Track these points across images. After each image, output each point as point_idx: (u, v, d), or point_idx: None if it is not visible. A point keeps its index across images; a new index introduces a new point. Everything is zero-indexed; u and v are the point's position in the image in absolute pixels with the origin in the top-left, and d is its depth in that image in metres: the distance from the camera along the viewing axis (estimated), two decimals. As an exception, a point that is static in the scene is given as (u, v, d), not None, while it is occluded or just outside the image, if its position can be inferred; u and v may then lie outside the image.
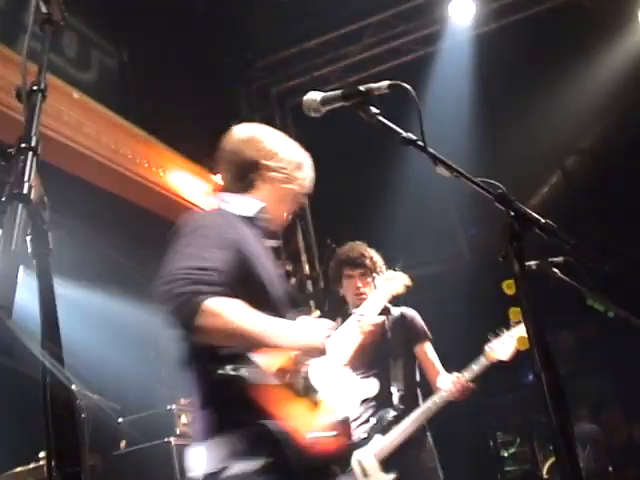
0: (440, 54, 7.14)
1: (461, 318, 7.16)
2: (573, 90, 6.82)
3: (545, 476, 8.41)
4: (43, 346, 1.38)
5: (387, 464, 3.67)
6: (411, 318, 4.02)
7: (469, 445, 8.68)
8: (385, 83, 2.22)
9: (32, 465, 3.89)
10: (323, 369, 2.42)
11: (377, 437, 3.71)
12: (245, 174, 2.52)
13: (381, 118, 2.20)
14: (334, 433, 2.31)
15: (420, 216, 7.30)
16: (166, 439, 4.66)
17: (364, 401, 3.72)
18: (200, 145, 6.23)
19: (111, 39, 5.66)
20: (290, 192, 2.59)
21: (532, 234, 2.14)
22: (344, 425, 2.42)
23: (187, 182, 6.18)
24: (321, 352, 2.32)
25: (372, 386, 3.47)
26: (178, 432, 4.82)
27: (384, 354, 3.87)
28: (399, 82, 2.22)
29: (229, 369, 2.16)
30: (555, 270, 3.34)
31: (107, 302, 5.24)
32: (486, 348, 3.73)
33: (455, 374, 3.76)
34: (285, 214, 2.65)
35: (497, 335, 3.73)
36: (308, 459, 2.20)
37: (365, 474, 3.67)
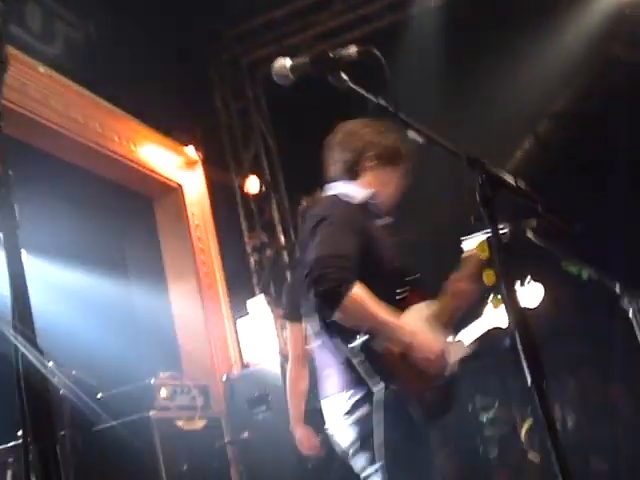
0: (409, 21, 7.09)
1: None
2: (543, 55, 6.82)
3: (523, 439, 8.50)
4: (14, 324, 1.37)
5: None
6: None
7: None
8: (354, 49, 2.20)
9: (12, 443, 3.87)
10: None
11: None
12: (351, 165, 2.91)
13: (351, 84, 2.19)
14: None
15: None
16: (146, 413, 4.66)
17: None
18: (171, 117, 6.17)
19: (76, 10, 5.54)
20: (392, 176, 2.94)
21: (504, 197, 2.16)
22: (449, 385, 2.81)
23: (158, 155, 6.12)
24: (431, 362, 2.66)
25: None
26: (158, 406, 4.83)
27: None
28: (368, 47, 2.20)
29: (360, 340, 2.61)
30: (528, 232, 3.35)
31: (81, 277, 5.21)
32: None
33: None
34: (391, 196, 2.97)
35: None
36: (424, 413, 2.66)
37: None
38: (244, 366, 5.95)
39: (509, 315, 2.06)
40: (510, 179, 2.14)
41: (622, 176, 6.48)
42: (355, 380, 2.68)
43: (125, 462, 4.43)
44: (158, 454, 4.53)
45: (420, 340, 2.67)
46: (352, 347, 2.63)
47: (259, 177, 6.84)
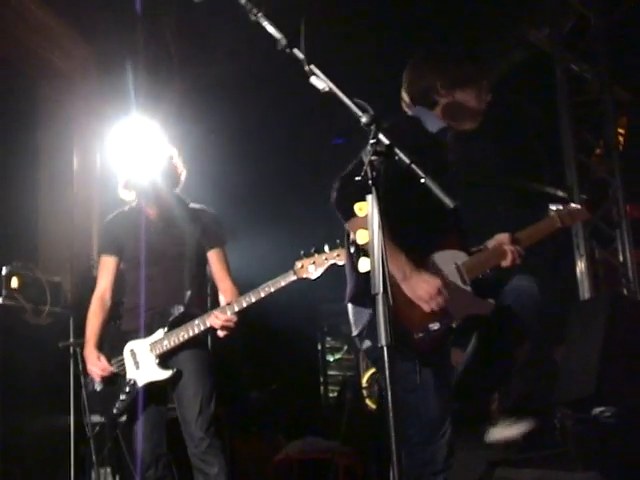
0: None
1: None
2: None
3: (364, 384, 8.85)
4: None
5: (166, 360, 3.61)
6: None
7: (299, 345, 8.97)
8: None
9: None
10: None
11: (159, 331, 3.62)
12: (426, 94, 3.03)
13: (262, 20, 2.17)
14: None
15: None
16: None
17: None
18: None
19: None
20: (468, 109, 3.02)
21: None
22: None
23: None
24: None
25: None
26: (6, 294, 4.71)
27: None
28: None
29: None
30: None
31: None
32: (297, 263, 3.51)
33: (228, 305, 3.56)
34: (465, 128, 3.06)
35: (309, 255, 3.52)
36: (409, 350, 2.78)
37: (137, 366, 3.63)
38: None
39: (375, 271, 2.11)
40: (402, 151, 2.15)
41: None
42: (360, 294, 2.83)
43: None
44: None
45: (415, 278, 2.74)
46: (361, 262, 2.75)
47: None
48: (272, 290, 3.47)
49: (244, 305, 3.50)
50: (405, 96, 3.15)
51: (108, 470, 5.13)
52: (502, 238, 3.04)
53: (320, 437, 6.20)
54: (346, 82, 2.24)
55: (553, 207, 3.17)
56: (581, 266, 6.15)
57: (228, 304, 3.55)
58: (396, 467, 1.93)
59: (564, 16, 6.64)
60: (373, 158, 2.16)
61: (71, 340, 5.11)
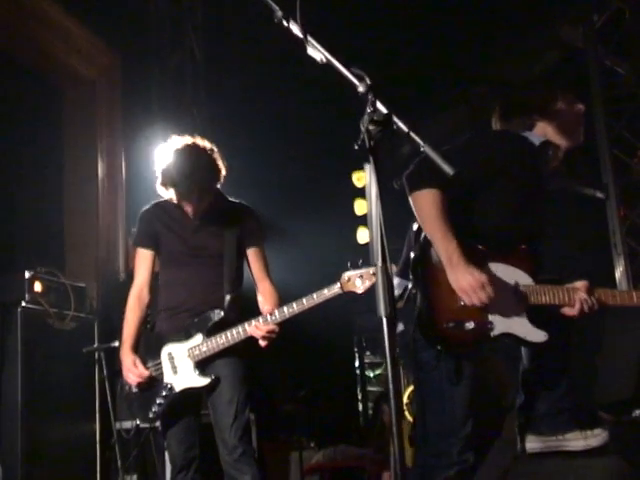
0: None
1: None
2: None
3: (405, 400, 8.68)
4: None
5: (204, 367, 3.49)
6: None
7: (336, 358, 8.87)
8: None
9: None
10: None
11: (198, 336, 3.49)
12: (523, 122, 3.12)
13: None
14: None
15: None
16: (15, 303, 4.59)
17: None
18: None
19: None
20: (564, 127, 3.09)
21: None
22: None
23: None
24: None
25: None
26: (29, 298, 4.70)
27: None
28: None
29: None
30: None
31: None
32: (343, 276, 3.33)
33: (270, 315, 3.43)
34: (568, 144, 3.12)
35: (356, 266, 3.35)
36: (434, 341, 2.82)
37: (175, 371, 3.51)
38: (129, 274, 5.79)
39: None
40: (399, 120, 2.08)
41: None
42: (404, 270, 2.90)
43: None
44: (18, 345, 4.42)
45: (461, 267, 2.74)
46: (417, 244, 2.85)
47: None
48: (316, 301, 3.33)
49: (287, 315, 3.38)
50: (501, 124, 3.21)
51: (134, 477, 5.07)
52: (580, 284, 2.98)
53: (353, 446, 6.09)
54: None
55: None
56: (619, 265, 5.94)
57: (270, 314, 3.42)
58: (396, 440, 1.85)
59: (598, 10, 6.48)
60: (371, 127, 2.08)
61: (96, 345, 5.10)
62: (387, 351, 1.95)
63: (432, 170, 2.54)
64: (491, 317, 2.80)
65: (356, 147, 2.09)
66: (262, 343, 3.42)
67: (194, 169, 3.42)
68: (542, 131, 3.09)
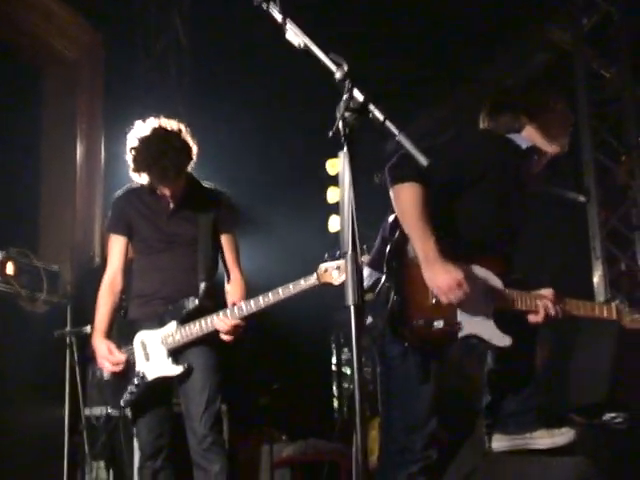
0: None
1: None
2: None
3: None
4: None
5: (177, 355, 3.43)
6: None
7: (313, 353, 8.84)
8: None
9: None
10: None
11: (172, 324, 3.43)
12: (512, 122, 3.10)
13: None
14: None
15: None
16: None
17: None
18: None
19: None
20: (552, 133, 3.08)
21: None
22: None
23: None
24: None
25: None
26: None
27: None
28: None
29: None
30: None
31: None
32: (320, 267, 3.27)
33: (236, 307, 3.38)
34: (552, 151, 3.11)
35: (333, 257, 3.28)
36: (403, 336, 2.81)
37: (147, 358, 3.46)
38: (104, 259, 5.72)
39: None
40: (376, 108, 2.06)
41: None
42: (376, 262, 2.90)
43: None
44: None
45: (438, 265, 2.71)
46: (393, 238, 2.82)
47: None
48: (292, 292, 3.27)
49: (262, 305, 3.32)
50: (489, 121, 3.18)
51: (102, 464, 5.02)
52: (546, 292, 2.99)
53: (324, 440, 6.06)
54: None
55: (617, 302, 3.20)
56: (597, 269, 5.95)
57: (236, 305, 3.38)
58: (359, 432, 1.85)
59: (586, 13, 6.48)
60: (347, 114, 2.06)
61: (67, 329, 5.03)
62: (354, 340, 1.93)
63: (415, 164, 2.66)
64: (460, 317, 2.79)
65: (330, 134, 2.07)
66: (226, 338, 3.38)
67: (166, 149, 3.36)
68: (529, 135, 3.07)
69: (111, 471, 5.00)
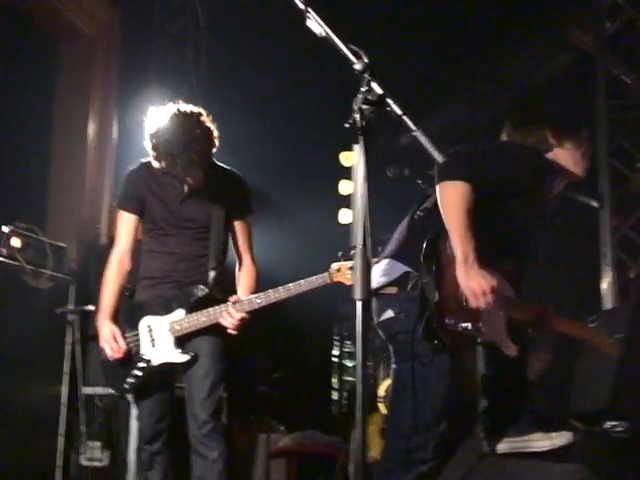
0: None
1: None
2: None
3: (382, 394, 8.64)
4: None
5: (184, 343, 3.40)
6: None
7: (316, 345, 8.83)
8: None
9: None
10: None
11: (180, 311, 3.39)
12: (540, 141, 3.10)
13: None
14: None
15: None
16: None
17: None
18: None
19: None
20: (576, 159, 3.12)
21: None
22: None
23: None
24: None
25: None
26: (6, 253, 4.61)
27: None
28: None
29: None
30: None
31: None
32: (333, 265, 3.26)
33: (246, 301, 3.35)
34: (571, 178, 3.17)
35: (347, 257, 3.25)
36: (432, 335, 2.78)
37: (153, 344, 3.43)
38: (110, 239, 5.70)
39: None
40: (392, 102, 2.03)
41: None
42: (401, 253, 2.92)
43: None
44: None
45: (475, 268, 2.72)
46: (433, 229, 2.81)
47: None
48: (303, 289, 3.25)
49: (272, 299, 3.30)
50: (516, 135, 3.18)
51: (98, 444, 5.01)
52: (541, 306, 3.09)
53: (321, 433, 6.03)
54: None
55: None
56: (607, 276, 5.89)
57: (244, 299, 3.36)
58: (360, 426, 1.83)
59: (610, 17, 6.40)
60: (364, 107, 2.02)
61: (70, 307, 5.02)
62: (359, 334, 1.91)
63: (469, 163, 2.75)
64: (481, 322, 2.80)
65: (346, 126, 2.04)
66: (232, 332, 3.35)
67: (191, 140, 3.24)
68: (557, 157, 3.09)
69: (106, 452, 4.99)
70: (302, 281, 3.26)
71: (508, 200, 2.94)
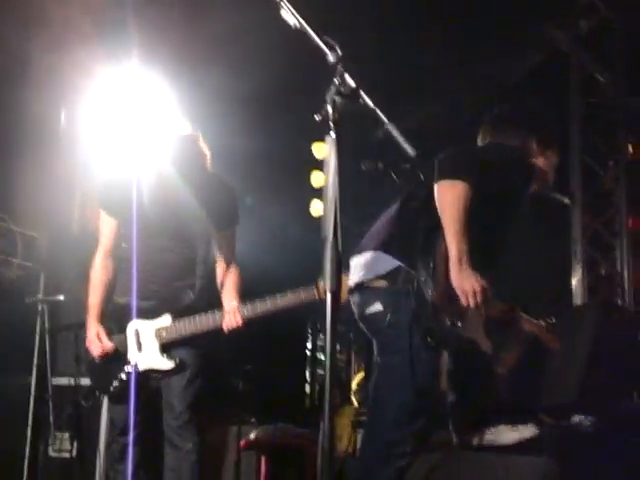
0: None
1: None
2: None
3: (354, 387, 8.68)
4: None
5: (169, 349, 3.44)
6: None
7: (289, 338, 8.82)
8: None
9: None
10: None
11: (167, 317, 3.44)
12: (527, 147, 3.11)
13: None
14: None
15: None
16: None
17: None
18: None
19: None
20: (549, 169, 3.15)
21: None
22: None
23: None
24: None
25: None
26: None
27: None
28: None
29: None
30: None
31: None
32: (320, 281, 3.34)
33: (238, 306, 3.44)
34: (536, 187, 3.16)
35: None
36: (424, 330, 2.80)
37: (140, 348, 3.45)
38: (83, 227, 5.62)
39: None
40: (365, 95, 2.06)
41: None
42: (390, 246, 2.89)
43: None
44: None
45: (469, 269, 2.73)
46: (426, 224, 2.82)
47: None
48: (291, 301, 3.39)
49: (259, 312, 3.44)
50: (497, 137, 3.19)
51: (66, 435, 4.97)
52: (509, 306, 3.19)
53: (292, 425, 6.04)
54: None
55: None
56: (577, 273, 5.95)
57: (247, 304, 3.44)
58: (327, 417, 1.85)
59: (586, 17, 6.46)
60: (336, 99, 2.03)
61: (39, 297, 4.97)
62: (328, 326, 1.94)
63: (469, 163, 2.79)
64: (466, 320, 2.84)
65: (317, 118, 2.04)
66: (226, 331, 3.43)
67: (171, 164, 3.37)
68: (536, 163, 3.12)
69: (75, 443, 4.95)
70: (289, 292, 3.38)
71: (500, 201, 2.96)
